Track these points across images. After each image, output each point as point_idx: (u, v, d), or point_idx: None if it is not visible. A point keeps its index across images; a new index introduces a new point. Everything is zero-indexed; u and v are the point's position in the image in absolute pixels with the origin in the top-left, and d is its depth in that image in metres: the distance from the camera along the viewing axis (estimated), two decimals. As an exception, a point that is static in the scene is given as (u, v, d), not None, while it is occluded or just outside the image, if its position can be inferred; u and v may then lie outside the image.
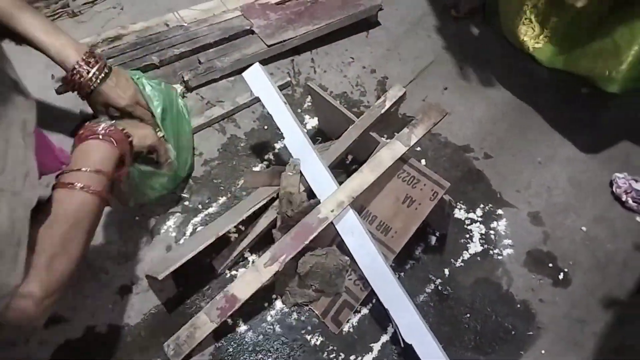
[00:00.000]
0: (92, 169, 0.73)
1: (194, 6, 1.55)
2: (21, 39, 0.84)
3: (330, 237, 1.05)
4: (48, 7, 1.51)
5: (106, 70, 0.92)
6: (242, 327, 1.01)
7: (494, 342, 1.02)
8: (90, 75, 0.89)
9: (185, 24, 1.50)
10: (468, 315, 1.05)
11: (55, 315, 0.99)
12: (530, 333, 1.04)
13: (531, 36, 1.38)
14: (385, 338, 1.01)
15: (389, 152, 1.02)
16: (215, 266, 1.07)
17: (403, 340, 0.92)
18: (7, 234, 0.55)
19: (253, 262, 1.09)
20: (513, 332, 1.03)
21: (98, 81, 0.90)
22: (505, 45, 1.57)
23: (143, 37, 1.46)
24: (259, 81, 1.08)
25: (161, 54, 1.42)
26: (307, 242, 0.96)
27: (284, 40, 1.46)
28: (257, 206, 1.04)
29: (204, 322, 0.90)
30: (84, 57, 0.88)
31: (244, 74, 1.08)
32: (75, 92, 0.93)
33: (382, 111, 1.06)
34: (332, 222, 0.98)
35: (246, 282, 0.92)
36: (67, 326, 0.98)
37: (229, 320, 1.01)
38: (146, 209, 1.15)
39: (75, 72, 0.88)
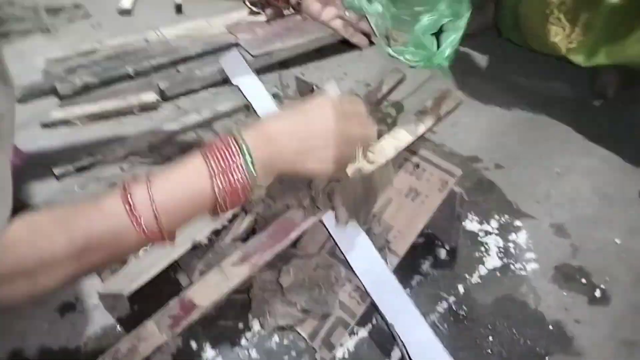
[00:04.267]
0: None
1: (177, 25, 1.47)
2: None
3: (321, 241, 0.87)
4: (20, 23, 1.43)
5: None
6: (210, 352, 0.80)
7: (525, 370, 0.82)
8: None
9: (167, 39, 1.40)
10: (490, 338, 0.86)
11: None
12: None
13: (563, 36, 1.25)
14: (389, 365, 0.81)
15: (392, 141, 0.86)
16: (181, 281, 0.88)
17: (412, 361, 0.72)
18: None
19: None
20: (547, 358, 0.83)
21: None
22: (514, 58, 1.48)
23: (120, 51, 1.36)
24: (237, 67, 0.96)
25: (137, 65, 1.31)
26: (288, 242, 0.79)
27: (271, 52, 1.36)
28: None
29: (152, 334, 0.70)
30: None
31: (220, 59, 0.96)
32: None
33: (379, 96, 0.93)
34: (320, 220, 0.82)
35: (208, 286, 0.74)
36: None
37: (193, 344, 0.81)
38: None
39: None
